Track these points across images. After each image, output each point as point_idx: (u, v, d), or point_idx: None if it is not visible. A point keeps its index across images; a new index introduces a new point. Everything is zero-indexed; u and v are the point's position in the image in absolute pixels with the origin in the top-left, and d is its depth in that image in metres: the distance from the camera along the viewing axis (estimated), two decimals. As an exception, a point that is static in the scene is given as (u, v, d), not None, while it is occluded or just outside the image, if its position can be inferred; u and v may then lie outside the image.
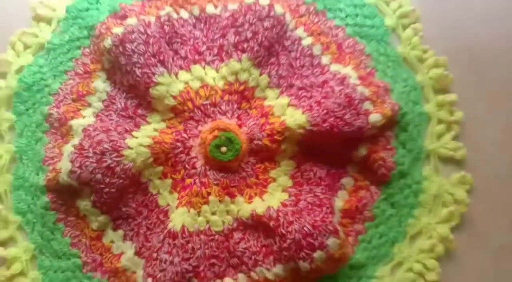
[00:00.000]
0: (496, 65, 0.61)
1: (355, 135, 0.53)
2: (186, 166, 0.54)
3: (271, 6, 0.55)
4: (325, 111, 0.52)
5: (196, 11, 0.57)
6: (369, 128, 0.53)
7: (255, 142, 0.53)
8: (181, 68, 0.56)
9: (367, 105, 0.53)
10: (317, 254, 0.49)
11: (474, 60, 0.61)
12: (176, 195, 0.54)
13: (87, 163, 0.50)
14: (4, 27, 0.58)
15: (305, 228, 0.49)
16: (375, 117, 0.53)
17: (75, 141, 0.53)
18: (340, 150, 0.55)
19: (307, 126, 0.52)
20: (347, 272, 0.53)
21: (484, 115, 0.59)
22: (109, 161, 0.51)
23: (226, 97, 0.55)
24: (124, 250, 0.53)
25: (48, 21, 0.58)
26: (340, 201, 0.55)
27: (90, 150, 0.51)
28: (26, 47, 0.58)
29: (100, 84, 0.56)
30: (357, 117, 0.52)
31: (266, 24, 0.55)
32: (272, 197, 0.54)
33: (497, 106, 0.59)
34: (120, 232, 0.54)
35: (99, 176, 0.50)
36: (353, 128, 0.52)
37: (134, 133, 0.53)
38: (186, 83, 0.55)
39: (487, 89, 0.60)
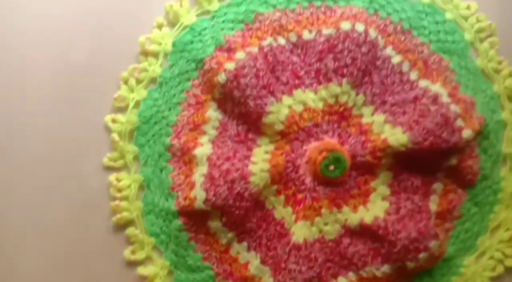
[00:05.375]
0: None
1: (449, 150, 0.56)
2: (296, 182, 0.57)
3: (366, 32, 0.55)
4: (425, 130, 0.54)
5: (293, 38, 0.57)
6: (462, 143, 0.56)
7: (358, 158, 0.57)
8: (283, 93, 0.57)
9: (459, 122, 0.55)
10: (422, 255, 0.54)
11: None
12: (289, 208, 0.57)
13: (220, 191, 0.54)
14: (113, 63, 0.58)
15: (412, 235, 0.54)
16: (467, 133, 0.55)
17: (203, 169, 0.55)
18: (433, 160, 0.57)
19: (409, 145, 0.55)
20: (440, 264, 0.58)
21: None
22: (239, 188, 0.54)
23: (326, 117, 0.57)
24: (249, 259, 0.57)
25: (155, 55, 0.57)
26: (433, 204, 0.58)
27: (221, 179, 0.54)
28: (138, 82, 0.58)
29: (213, 113, 0.57)
30: (453, 135, 0.54)
31: (363, 49, 0.55)
32: (374, 205, 0.57)
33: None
34: (244, 244, 0.57)
35: (231, 201, 0.54)
36: (450, 144, 0.55)
37: (252, 159, 0.56)
38: (290, 107, 0.56)
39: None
